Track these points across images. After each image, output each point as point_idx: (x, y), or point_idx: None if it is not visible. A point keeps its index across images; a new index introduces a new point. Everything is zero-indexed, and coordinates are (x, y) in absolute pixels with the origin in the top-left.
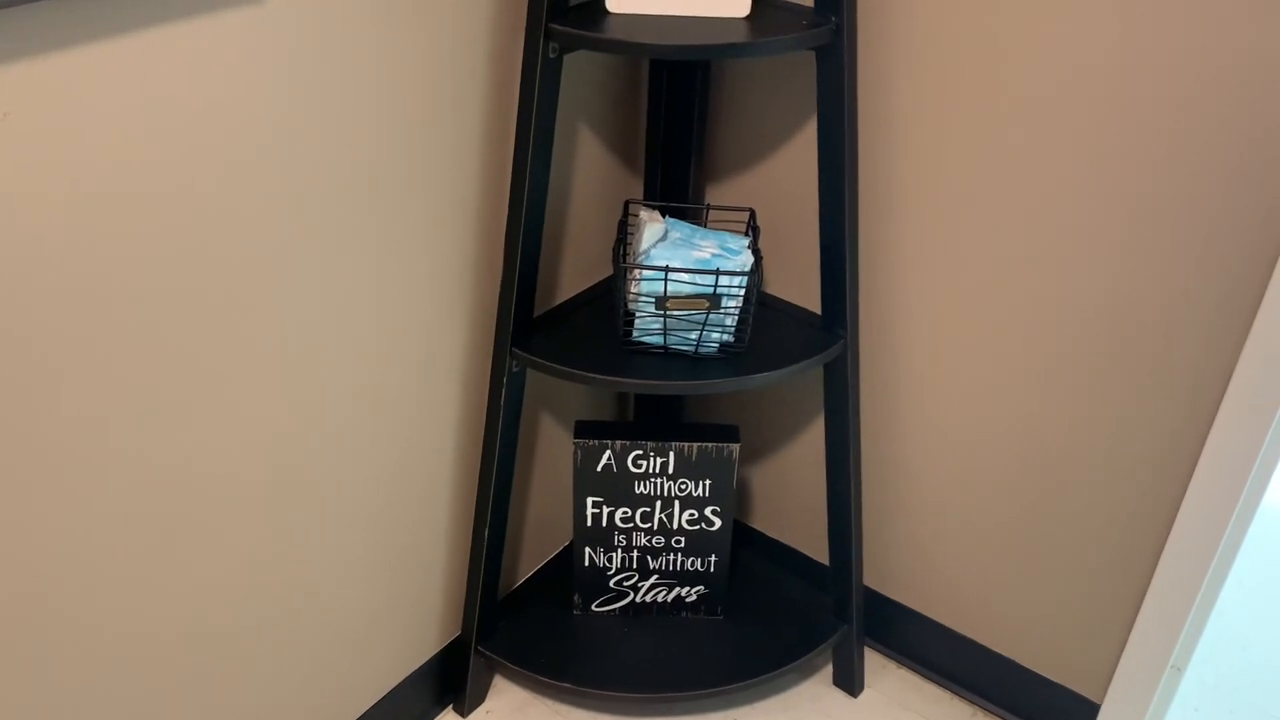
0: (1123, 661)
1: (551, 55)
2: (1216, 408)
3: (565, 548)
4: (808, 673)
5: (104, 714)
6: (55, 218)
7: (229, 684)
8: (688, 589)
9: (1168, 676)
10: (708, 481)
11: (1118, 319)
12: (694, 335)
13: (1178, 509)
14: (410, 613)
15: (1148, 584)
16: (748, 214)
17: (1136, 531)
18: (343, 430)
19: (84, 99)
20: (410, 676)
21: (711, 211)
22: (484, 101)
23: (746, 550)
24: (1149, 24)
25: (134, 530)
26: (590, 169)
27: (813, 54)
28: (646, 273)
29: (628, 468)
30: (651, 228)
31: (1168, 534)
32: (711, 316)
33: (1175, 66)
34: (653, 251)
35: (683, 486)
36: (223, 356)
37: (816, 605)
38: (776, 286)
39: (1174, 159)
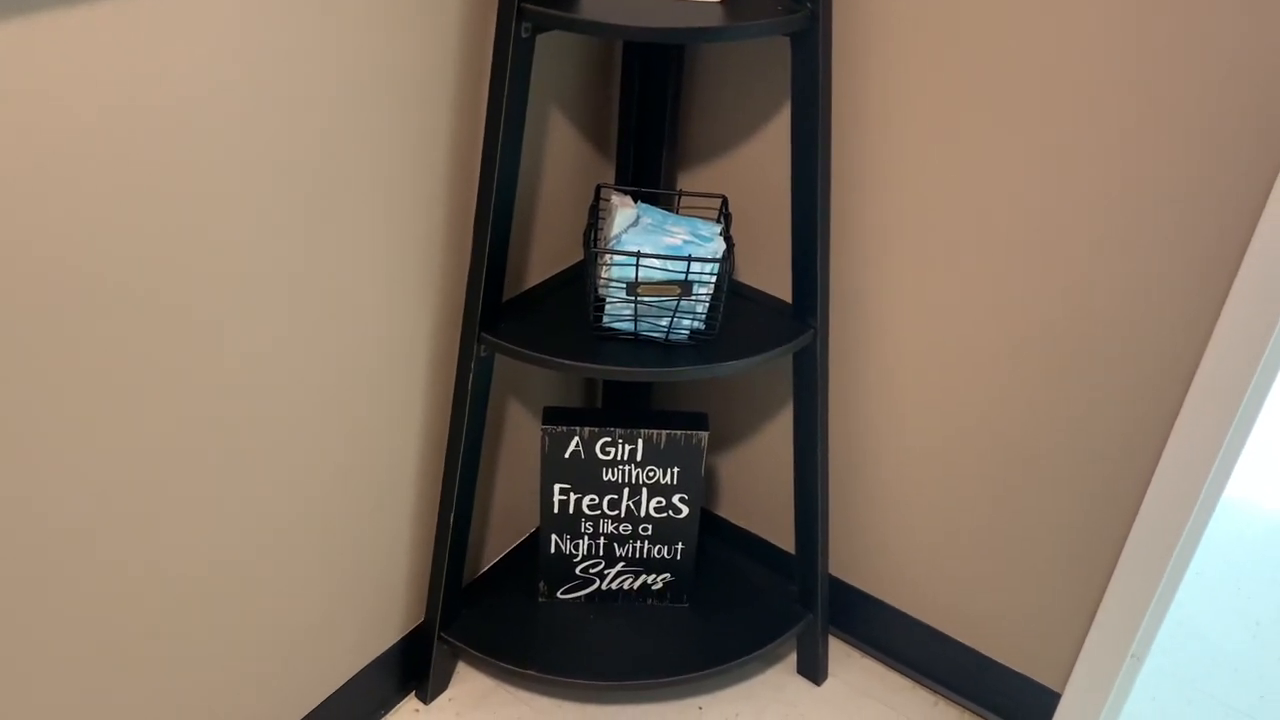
0: (1084, 651)
1: (524, 35)
2: (1181, 401)
3: (531, 535)
4: (772, 661)
5: (56, 699)
6: None
7: (186, 669)
8: (654, 576)
9: (1128, 666)
10: (676, 469)
11: (1084, 314)
12: (664, 322)
13: (1140, 502)
14: (372, 599)
15: (1109, 575)
16: (720, 201)
17: (1099, 523)
18: (305, 414)
19: (24, 74)
20: (372, 663)
21: (684, 198)
22: (454, 81)
23: (713, 538)
24: (1128, 14)
25: (84, 512)
26: (562, 152)
27: (788, 40)
28: (618, 258)
29: (596, 454)
30: (623, 213)
31: (1130, 526)
32: (682, 303)
33: (1152, 58)
34: (624, 237)
35: (650, 474)
36: (177, 339)
37: (782, 594)
38: (747, 274)
39: (1144, 155)
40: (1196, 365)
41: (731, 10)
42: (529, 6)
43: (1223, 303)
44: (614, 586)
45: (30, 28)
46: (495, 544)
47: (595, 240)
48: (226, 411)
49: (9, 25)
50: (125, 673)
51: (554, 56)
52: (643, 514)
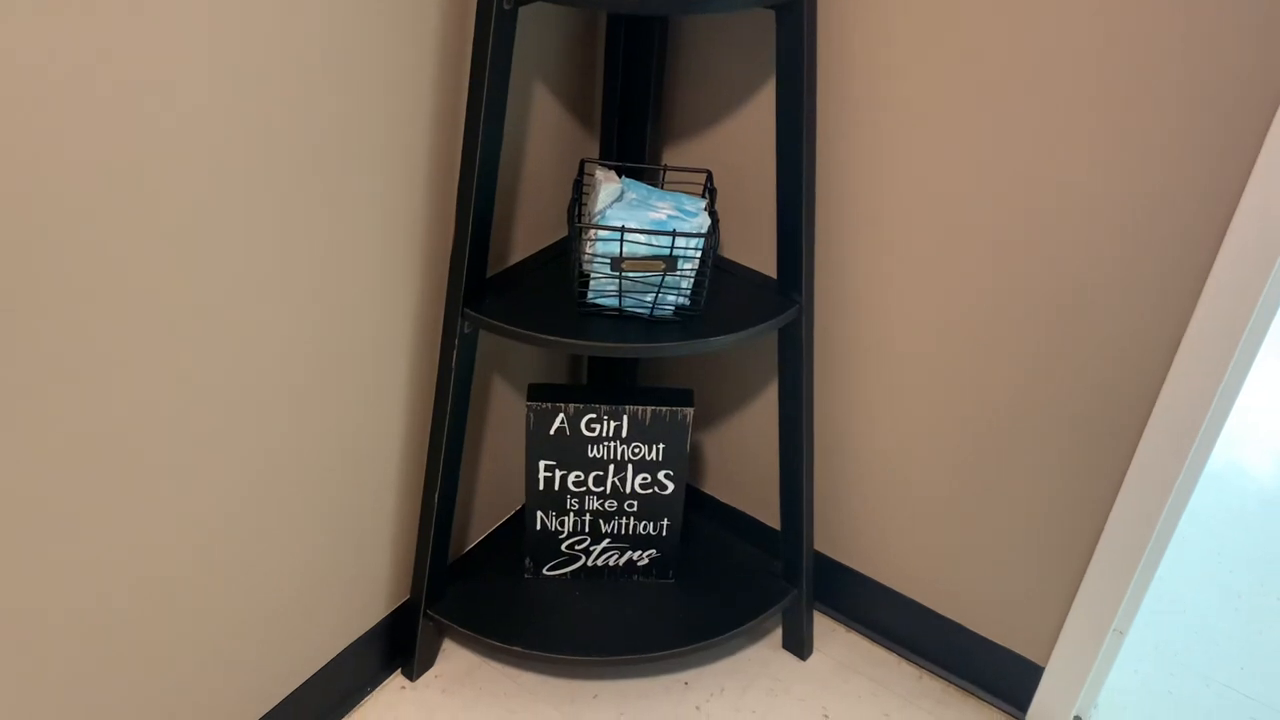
0: (1066, 625)
1: (506, 7)
2: (1163, 378)
3: (517, 512)
4: (757, 636)
5: (33, 685)
6: None
7: (169, 645)
8: (639, 553)
9: (1110, 639)
10: (661, 445)
11: (1068, 291)
12: (649, 297)
13: (1123, 477)
14: (358, 576)
15: (1092, 549)
16: (705, 176)
17: (1082, 499)
18: (287, 389)
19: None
20: (358, 640)
21: (669, 173)
22: (436, 55)
23: (698, 514)
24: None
25: (68, 490)
26: (546, 127)
27: (773, 13)
28: (602, 233)
29: (581, 431)
30: (608, 188)
31: (1113, 501)
32: (667, 279)
33: (1143, 44)
34: (608, 212)
35: (636, 450)
36: (163, 311)
37: (767, 569)
38: (732, 250)
39: (1131, 122)
40: (1180, 338)
41: None
42: None
43: (1206, 275)
44: (600, 563)
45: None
46: (481, 521)
47: (579, 215)
48: (207, 388)
49: None
50: (110, 652)
51: (537, 30)
52: (628, 490)
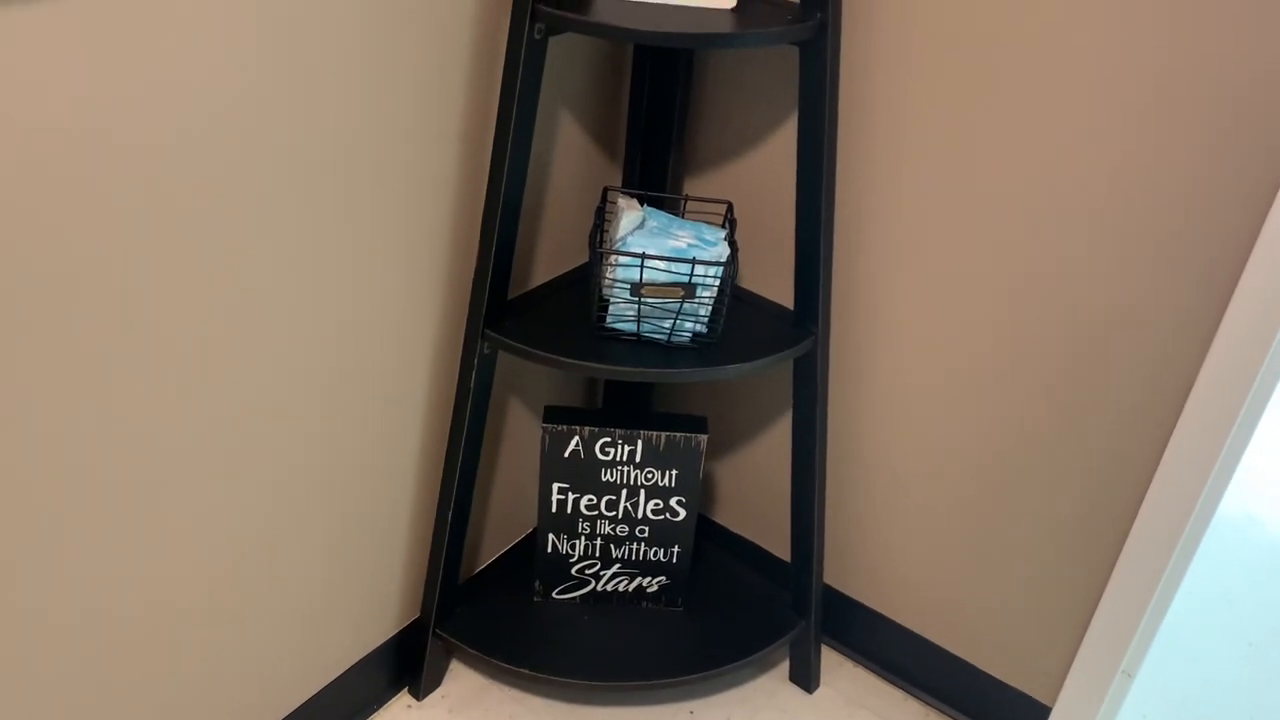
0: (1075, 666)
1: (537, 36)
2: (1176, 418)
3: (529, 534)
4: (765, 667)
5: (44, 695)
6: None
7: (180, 658)
8: (649, 579)
9: (1118, 682)
10: (674, 471)
11: (1085, 325)
12: (667, 324)
13: (1134, 518)
14: (368, 593)
15: (1102, 590)
16: (725, 206)
17: (1093, 538)
18: (305, 407)
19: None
20: (366, 657)
21: (689, 203)
22: (466, 81)
23: (709, 543)
24: (1138, 27)
25: (83, 505)
26: (571, 154)
27: (796, 49)
28: (622, 259)
29: (595, 455)
30: (629, 215)
31: (1124, 542)
32: (685, 306)
33: (1161, 72)
34: (629, 239)
35: (649, 475)
36: (178, 331)
37: (776, 601)
38: (751, 280)
39: (1148, 163)
40: (1193, 380)
41: (742, 18)
42: (542, 8)
43: (1222, 315)
44: (609, 588)
45: (18, 16)
46: (492, 542)
47: (601, 241)
48: (225, 403)
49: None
50: (120, 666)
51: (566, 59)
52: (640, 515)
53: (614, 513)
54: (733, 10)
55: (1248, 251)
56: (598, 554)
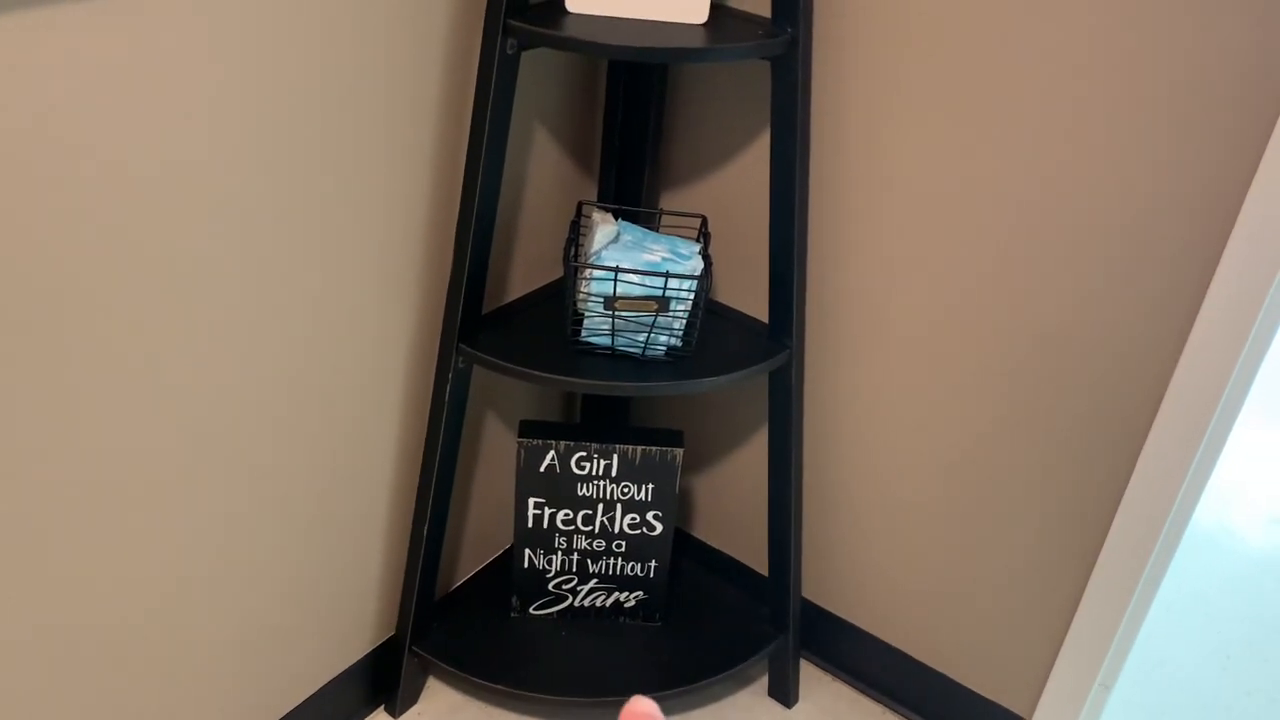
0: (1052, 679)
1: (509, 51)
2: (1148, 430)
3: (505, 550)
4: (743, 682)
5: (10, 711)
6: None
7: (149, 674)
8: (627, 594)
9: (1095, 694)
10: (650, 485)
11: (1058, 342)
12: (642, 337)
13: (1107, 531)
14: (343, 610)
15: (1077, 603)
16: (699, 220)
17: (1067, 552)
18: (278, 418)
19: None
20: (341, 675)
21: (664, 216)
22: (439, 96)
23: (686, 557)
24: (1112, 39)
25: (49, 515)
26: (545, 168)
27: (768, 63)
28: (597, 273)
29: (571, 469)
30: (603, 229)
31: (1097, 555)
32: (659, 319)
33: (1132, 96)
34: (604, 252)
35: (625, 490)
36: (151, 342)
37: (754, 615)
38: (725, 294)
39: (1120, 188)
40: (1163, 394)
41: (714, 33)
42: (515, 23)
43: (1188, 334)
44: (586, 603)
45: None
46: (469, 558)
47: (575, 255)
48: (196, 418)
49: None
50: (92, 683)
51: (539, 73)
52: (617, 530)
53: (591, 527)
54: (704, 25)
55: (1215, 261)
56: (575, 569)
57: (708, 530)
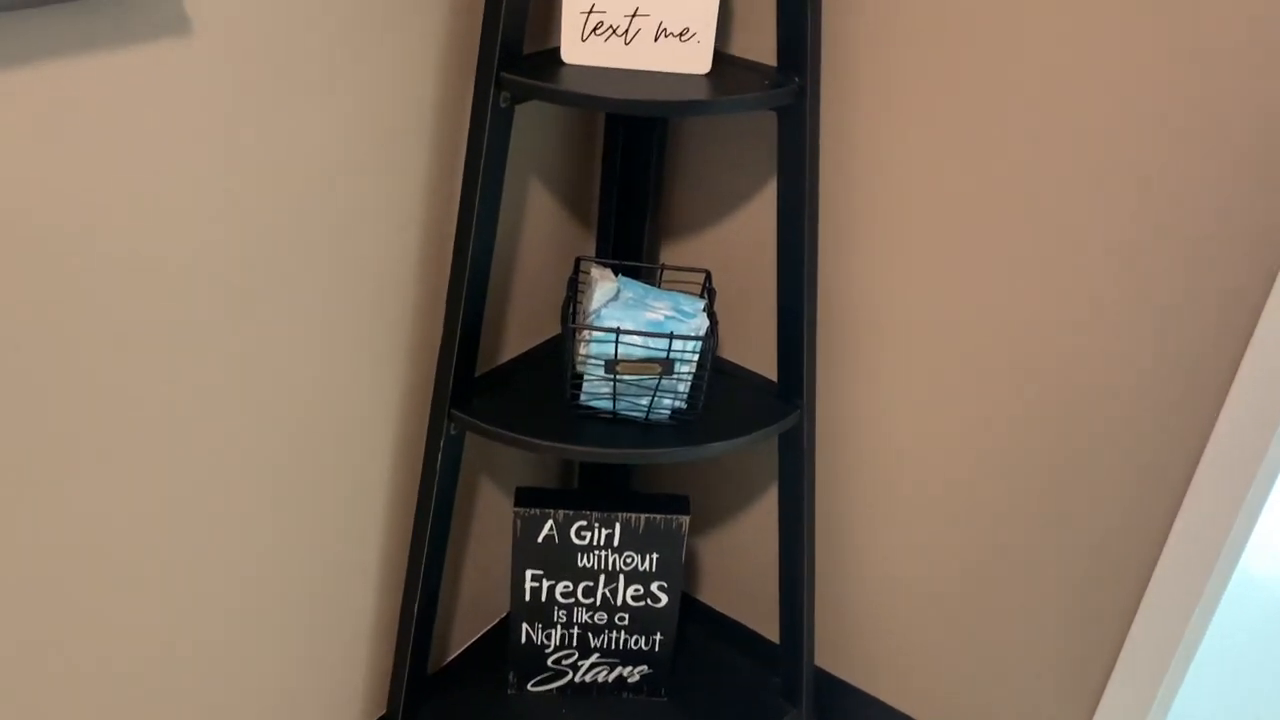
0: None
1: (503, 105)
2: (1179, 506)
3: (501, 621)
4: None
5: None
6: None
7: None
8: (630, 668)
9: None
10: (655, 555)
11: (1083, 405)
12: (645, 401)
13: (1138, 605)
14: (331, 688)
15: (1107, 677)
16: (704, 275)
17: (1096, 621)
18: (262, 490)
19: None
20: None
21: (666, 272)
22: (430, 151)
23: (693, 625)
24: (1121, 74)
25: (29, 596)
26: (541, 223)
27: (774, 114)
28: (596, 334)
29: (570, 539)
30: (603, 286)
31: (1128, 628)
32: (664, 382)
33: (1141, 130)
34: (604, 311)
35: (628, 560)
36: (131, 411)
37: (764, 685)
38: (731, 351)
39: (1146, 236)
40: (1198, 460)
41: (717, 83)
42: (509, 76)
43: (1225, 396)
44: (588, 679)
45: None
46: (462, 631)
47: (574, 315)
48: (184, 488)
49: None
50: None
51: (534, 126)
52: (619, 602)
53: (592, 600)
54: (707, 75)
55: (1251, 329)
56: (575, 643)
57: (715, 595)
